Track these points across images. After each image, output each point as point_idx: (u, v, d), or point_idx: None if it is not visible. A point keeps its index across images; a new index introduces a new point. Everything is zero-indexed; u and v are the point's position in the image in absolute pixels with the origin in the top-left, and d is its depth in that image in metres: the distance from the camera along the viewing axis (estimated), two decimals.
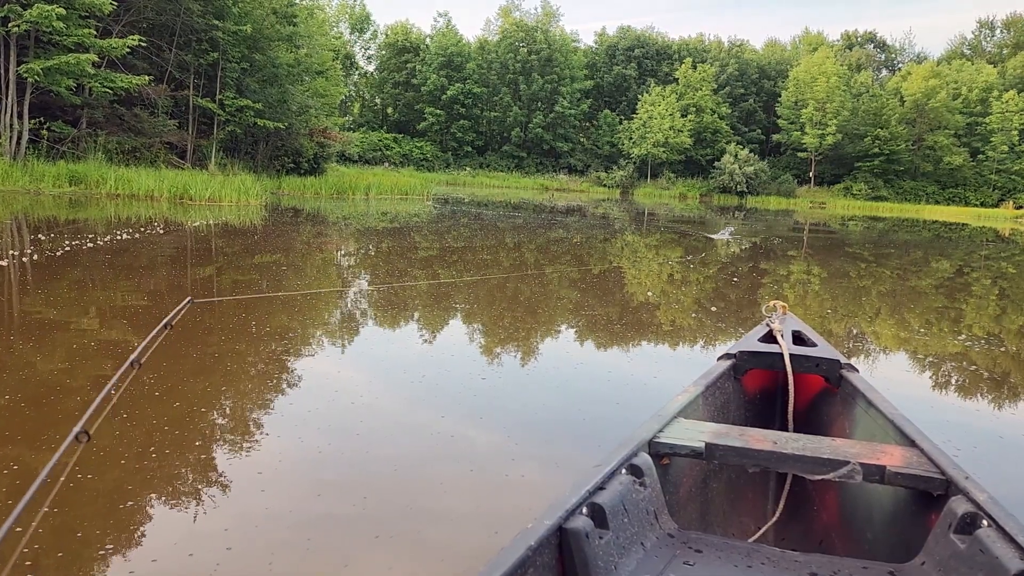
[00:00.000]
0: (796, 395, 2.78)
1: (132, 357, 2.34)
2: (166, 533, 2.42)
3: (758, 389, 2.91)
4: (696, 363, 5.11)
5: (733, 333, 6.29)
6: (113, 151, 19.99)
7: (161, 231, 11.11)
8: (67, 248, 8.38)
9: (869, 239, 20.51)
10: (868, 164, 51.85)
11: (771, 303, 3.35)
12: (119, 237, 9.73)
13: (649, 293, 8.24)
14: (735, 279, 10.00)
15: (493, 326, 5.89)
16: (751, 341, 2.98)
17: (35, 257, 7.72)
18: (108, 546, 2.30)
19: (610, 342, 5.63)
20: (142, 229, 10.98)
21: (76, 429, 1.82)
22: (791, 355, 2.79)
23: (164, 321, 2.76)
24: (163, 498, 2.63)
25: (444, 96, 54.45)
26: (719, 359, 2.88)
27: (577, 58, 58.47)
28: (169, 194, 17.50)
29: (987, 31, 65.41)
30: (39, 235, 9.57)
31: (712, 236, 14.41)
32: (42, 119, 18.97)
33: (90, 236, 9.61)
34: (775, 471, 2.41)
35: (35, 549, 2.24)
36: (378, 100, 60.02)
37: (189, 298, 3.21)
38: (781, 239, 18.54)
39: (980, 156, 51.98)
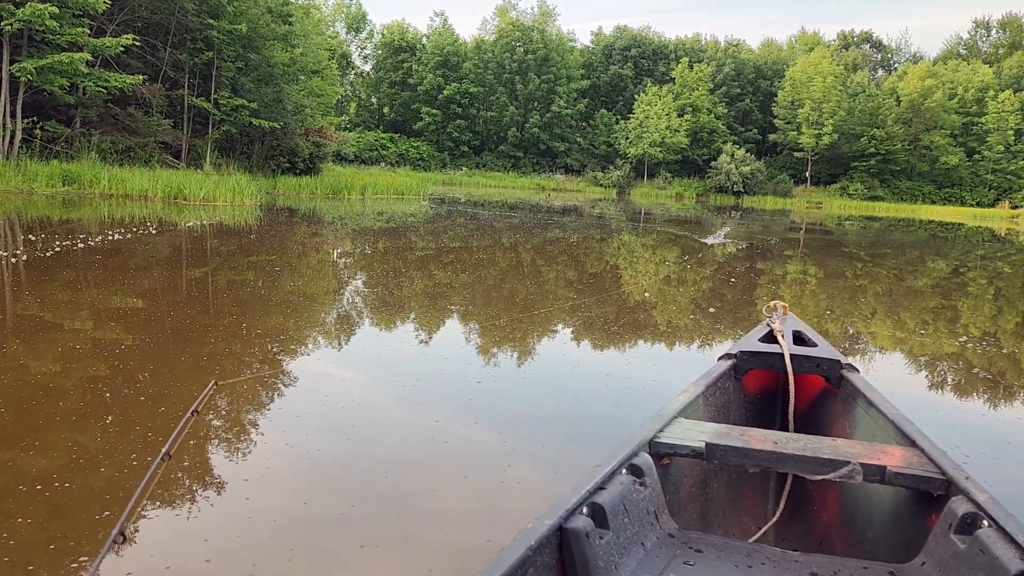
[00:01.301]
0: (796, 395, 2.77)
1: (164, 450, 2.34)
2: (160, 538, 2.36)
3: (758, 389, 2.91)
4: (692, 364, 5.05)
5: (729, 334, 6.24)
6: (107, 151, 19.89)
7: (154, 231, 11.03)
8: (57, 248, 8.31)
9: (866, 239, 20.50)
10: (864, 164, 51.91)
11: (771, 303, 3.33)
12: (111, 237, 9.65)
13: (646, 294, 8.18)
14: (732, 279, 9.96)
15: (490, 326, 5.84)
16: (751, 341, 2.97)
17: (24, 257, 7.64)
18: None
19: (607, 343, 5.58)
20: (134, 230, 10.90)
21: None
22: (792, 355, 2.79)
23: (192, 408, 2.79)
24: (161, 498, 2.57)
25: (440, 96, 54.37)
26: (719, 359, 2.87)
27: (574, 58, 58.44)
28: (163, 194, 17.41)
29: (983, 31, 65.55)
30: (30, 235, 9.49)
31: (706, 240, 13.85)
32: (35, 118, 18.87)
33: (81, 236, 9.53)
34: (775, 471, 2.41)
35: None
36: (374, 100, 59.93)
37: (214, 381, 3.23)
38: (778, 239, 18.51)
39: (976, 156, 52.08)
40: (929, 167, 52.22)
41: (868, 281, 10.75)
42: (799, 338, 3.03)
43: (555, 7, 61.03)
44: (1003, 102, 50.63)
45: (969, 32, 67.94)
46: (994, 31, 64.82)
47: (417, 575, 2.26)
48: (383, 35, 58.69)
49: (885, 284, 10.53)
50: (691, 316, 6.99)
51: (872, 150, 51.26)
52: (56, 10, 16.87)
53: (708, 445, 2.05)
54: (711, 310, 7.41)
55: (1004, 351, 6.10)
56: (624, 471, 1.88)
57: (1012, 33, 62.52)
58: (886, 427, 2.29)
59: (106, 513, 2.44)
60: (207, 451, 3.07)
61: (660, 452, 2.07)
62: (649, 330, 6.25)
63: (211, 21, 21.95)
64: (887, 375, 5.09)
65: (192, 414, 2.74)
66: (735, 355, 2.85)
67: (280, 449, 3.14)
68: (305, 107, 26.02)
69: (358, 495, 2.74)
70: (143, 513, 2.50)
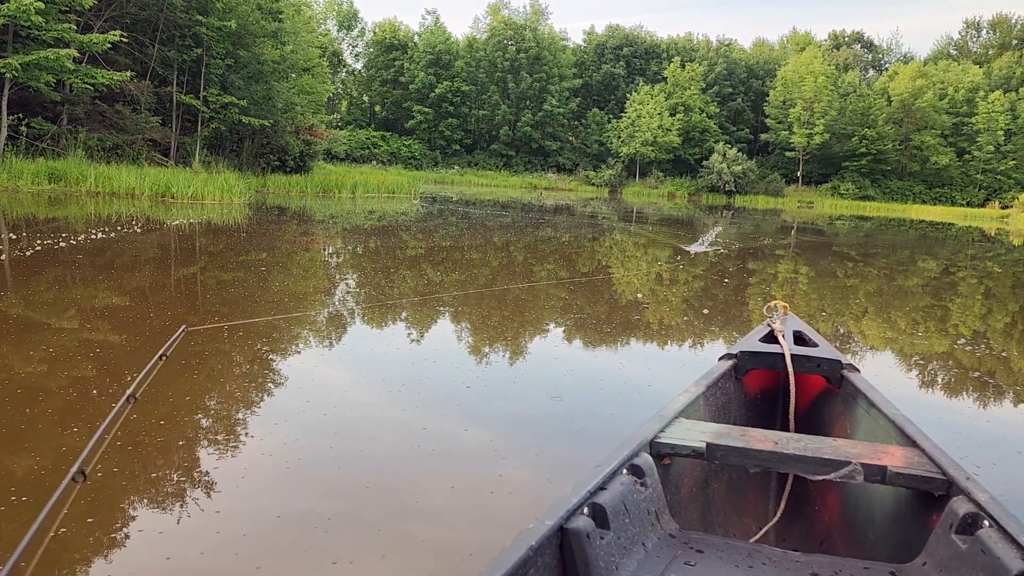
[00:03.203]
0: (797, 395, 2.78)
1: (128, 391, 2.32)
2: (153, 538, 2.26)
3: (759, 389, 2.91)
4: (685, 364, 4.99)
5: (721, 334, 6.18)
6: (94, 148, 19.67)
7: (139, 230, 10.89)
8: (39, 247, 8.17)
9: (859, 239, 20.52)
10: (855, 164, 52.11)
11: (772, 303, 3.32)
12: (95, 236, 9.51)
13: (639, 295, 8.11)
14: (725, 279, 9.90)
15: (483, 326, 5.75)
16: (752, 341, 2.97)
17: (2, 257, 7.50)
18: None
19: (598, 342, 5.50)
20: (119, 228, 10.75)
21: None
22: (792, 355, 2.79)
23: (160, 352, 2.79)
24: (155, 499, 2.47)
25: (432, 94, 54.23)
26: (720, 359, 2.87)
27: (566, 57, 58.43)
28: (150, 192, 17.24)
29: (973, 31, 65.88)
30: (11, 234, 9.33)
31: (689, 249, 13.21)
32: (21, 115, 18.63)
33: (64, 235, 9.39)
34: (776, 471, 2.42)
35: None
36: (366, 98, 59.74)
37: (184, 326, 3.21)
38: (770, 239, 18.49)
39: (966, 156, 52.36)
40: (920, 167, 52.46)
41: (860, 280, 10.72)
42: (800, 338, 3.04)
43: (547, 6, 61.32)
44: (993, 102, 50.91)
45: (959, 32, 68.28)
46: (984, 31, 65.17)
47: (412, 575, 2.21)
48: (375, 33, 58.51)
49: (879, 283, 10.50)
50: (683, 317, 6.93)
51: (863, 150, 51.46)
52: (42, 5, 16.66)
53: (709, 445, 2.05)
54: (704, 311, 7.34)
55: (996, 350, 6.08)
56: (625, 471, 1.88)
57: (1002, 34, 62.86)
58: (887, 427, 2.28)
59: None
60: (190, 453, 2.97)
61: (661, 452, 2.06)
62: (641, 330, 6.18)
63: (200, 18, 21.75)
64: (882, 374, 5.03)
65: (160, 358, 2.67)
66: (736, 355, 2.85)
67: (266, 448, 3.07)
68: (295, 105, 25.83)
69: (346, 494, 2.68)
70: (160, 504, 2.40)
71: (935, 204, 50.46)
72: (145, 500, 2.59)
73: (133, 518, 2.46)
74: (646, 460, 1.96)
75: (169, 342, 2.97)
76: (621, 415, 3.80)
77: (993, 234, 27.26)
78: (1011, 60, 56.46)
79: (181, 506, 2.55)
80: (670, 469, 2.13)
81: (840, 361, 2.77)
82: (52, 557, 2.17)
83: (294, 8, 28.67)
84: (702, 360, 5.11)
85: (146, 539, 2.34)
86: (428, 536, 2.46)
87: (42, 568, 2.10)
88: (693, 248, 13.49)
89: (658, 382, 4.48)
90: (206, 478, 2.78)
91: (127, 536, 2.36)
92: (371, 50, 58.56)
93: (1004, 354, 6.04)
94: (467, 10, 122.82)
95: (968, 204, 50.82)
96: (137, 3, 21.47)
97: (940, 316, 7.97)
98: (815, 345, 2.96)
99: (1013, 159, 50.96)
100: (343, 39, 59.65)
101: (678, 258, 12.12)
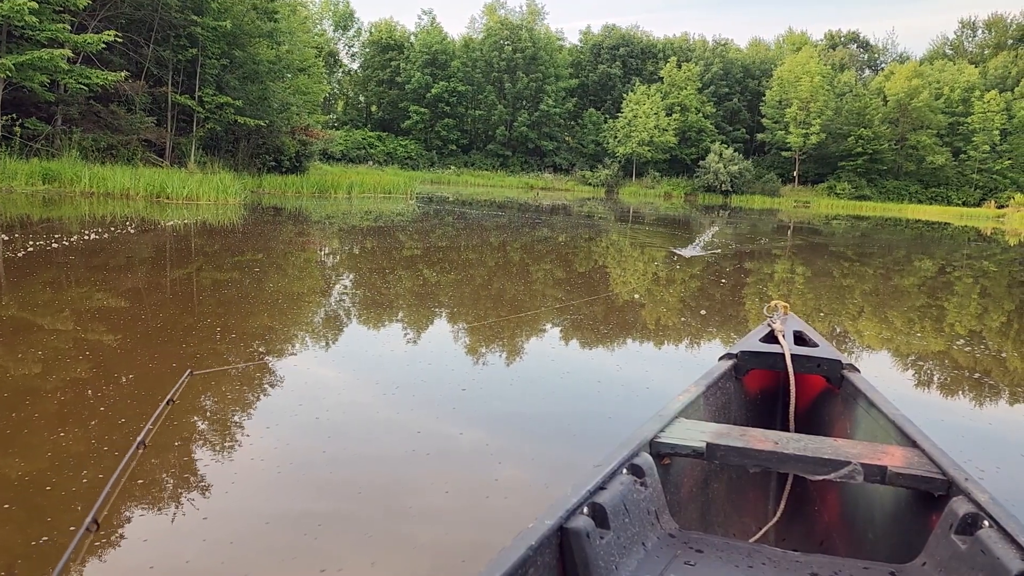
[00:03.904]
0: (797, 395, 2.78)
1: (139, 438, 2.36)
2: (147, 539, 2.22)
3: (759, 389, 2.91)
4: (682, 364, 4.96)
5: (718, 335, 6.15)
6: (89, 149, 19.59)
7: (132, 231, 10.83)
8: (31, 248, 8.11)
9: (854, 238, 20.52)
10: (851, 163, 52.18)
11: (772, 303, 3.31)
12: (87, 237, 9.45)
13: (636, 295, 8.08)
14: (722, 280, 9.87)
15: (479, 326, 5.71)
16: (752, 341, 2.96)
17: None
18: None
19: (595, 342, 5.47)
20: (112, 229, 10.69)
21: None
22: (792, 355, 2.79)
23: (168, 397, 2.74)
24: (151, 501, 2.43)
25: (429, 94, 54.18)
26: (720, 359, 2.86)
27: (562, 56, 58.41)
28: (145, 192, 17.16)
29: (969, 31, 66.05)
30: (3, 236, 9.27)
31: (683, 252, 12.43)
32: (15, 115, 18.54)
33: (57, 236, 9.33)
34: (776, 471, 2.42)
35: None
36: (362, 98, 59.68)
37: (189, 370, 3.21)
38: (766, 238, 18.48)
39: (962, 156, 52.47)
40: (916, 167, 52.56)
41: (856, 280, 10.71)
42: (800, 338, 3.03)
43: (543, 6, 61.34)
44: (988, 102, 51.03)
45: (955, 32, 68.54)
46: (980, 31, 65.36)
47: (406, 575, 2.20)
48: (371, 33, 58.44)
49: (875, 283, 10.48)
50: (680, 317, 6.90)
51: (859, 150, 51.54)
52: (35, 5, 16.57)
53: (709, 445, 2.05)
54: (702, 312, 7.31)
55: (992, 349, 6.06)
56: (625, 471, 1.88)
57: (997, 33, 63.02)
58: (887, 427, 2.28)
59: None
60: (185, 445, 2.92)
61: (661, 452, 2.06)
62: (637, 331, 6.14)
63: (195, 18, 21.67)
64: (880, 373, 5.00)
65: (168, 403, 2.65)
66: (736, 355, 2.84)
67: (261, 448, 3.03)
68: (291, 105, 25.77)
69: (342, 494, 2.65)
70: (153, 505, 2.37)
71: (931, 204, 50.57)
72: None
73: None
74: (646, 460, 1.96)
75: (175, 388, 2.94)
76: (619, 415, 3.77)
77: (989, 233, 27.30)
78: (1006, 60, 56.62)
79: (169, 500, 2.51)
80: (670, 469, 2.13)
81: (840, 361, 2.76)
82: None
83: (290, 8, 28.58)
84: (699, 360, 5.08)
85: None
86: (424, 539, 2.42)
87: None
88: (688, 251, 13.45)
89: (655, 383, 4.45)
90: (196, 478, 2.73)
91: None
92: (367, 50, 58.49)
93: (1003, 354, 6.02)
94: (463, 10, 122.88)
95: (964, 204, 50.94)
96: (132, 3, 21.38)
97: (938, 316, 7.96)
98: (815, 345, 2.95)
99: (1008, 159, 51.10)
100: (339, 39, 59.58)
101: (674, 258, 12.09)
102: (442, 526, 2.52)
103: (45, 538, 2.25)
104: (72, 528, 2.30)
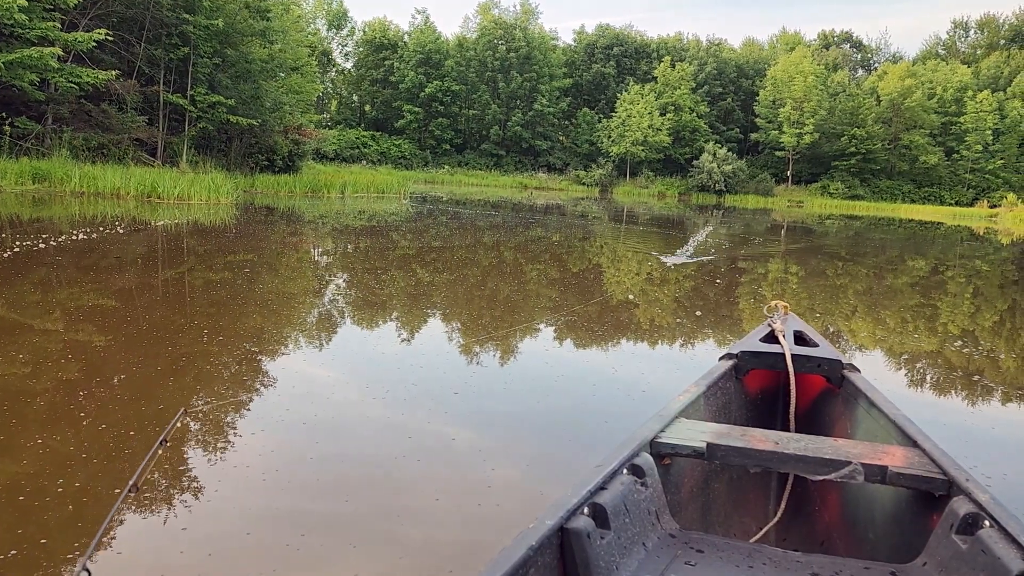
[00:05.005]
0: (798, 395, 2.77)
1: (131, 481, 2.31)
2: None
3: (760, 389, 2.91)
4: (678, 364, 4.92)
5: (714, 335, 6.12)
6: (79, 148, 19.44)
7: (122, 231, 10.74)
8: (17, 248, 8.02)
9: (848, 238, 20.55)
10: (845, 163, 52.30)
11: (772, 303, 3.31)
12: (76, 237, 9.36)
13: (630, 295, 8.04)
14: (717, 280, 9.85)
15: (472, 326, 5.66)
16: (752, 341, 2.96)
17: None
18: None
19: (589, 342, 5.42)
20: (101, 229, 10.60)
21: None
22: (793, 355, 2.78)
23: (160, 438, 2.73)
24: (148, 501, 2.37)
25: (422, 94, 54.10)
26: (720, 359, 2.86)
27: (556, 56, 58.38)
28: (136, 192, 17.04)
29: (961, 31, 66.29)
30: None
31: (668, 260, 11.31)
32: (4, 114, 18.38)
33: (45, 236, 9.23)
34: (777, 471, 2.42)
35: None
36: (356, 97, 59.55)
37: (182, 408, 3.15)
38: (760, 238, 18.48)
39: (955, 155, 52.65)
40: (909, 166, 52.72)
41: (850, 279, 10.70)
42: (800, 338, 3.03)
43: (537, 5, 61.27)
44: (981, 102, 51.21)
45: (948, 32, 68.70)
46: (972, 31, 65.59)
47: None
48: (364, 32, 58.30)
49: (869, 282, 10.48)
50: (675, 317, 6.86)
51: (852, 149, 51.66)
52: (25, 3, 16.42)
53: (709, 445, 2.05)
54: (697, 313, 7.28)
55: (985, 348, 6.05)
56: (625, 471, 1.88)
57: (990, 34, 63.28)
58: (887, 427, 2.28)
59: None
60: (179, 456, 2.86)
61: (661, 452, 2.06)
62: (632, 330, 6.10)
63: (187, 16, 21.53)
64: (885, 376, 4.97)
65: (161, 443, 2.61)
66: (736, 355, 2.84)
67: (259, 449, 2.97)
68: (284, 104, 25.63)
69: (339, 498, 2.61)
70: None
71: (924, 203, 50.73)
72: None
73: None
74: (646, 460, 1.95)
75: (169, 426, 2.90)
76: (616, 415, 3.73)
77: (981, 233, 27.39)
78: (999, 60, 56.84)
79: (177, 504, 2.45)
80: (670, 469, 2.13)
81: (841, 361, 2.76)
82: None
83: (282, 7, 28.44)
84: (697, 361, 5.04)
85: None
86: (414, 542, 2.37)
87: None
88: (684, 252, 13.43)
89: (651, 384, 4.41)
90: (191, 488, 2.68)
91: None
92: (361, 49, 58.35)
93: (1002, 354, 6.01)
94: (457, 9, 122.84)
95: (957, 203, 51.11)
96: (123, 1, 21.22)
97: (932, 315, 7.95)
98: (815, 345, 2.95)
99: (1001, 158, 51.29)
100: (332, 38, 59.42)
101: (673, 257, 12.06)
102: (433, 528, 2.47)
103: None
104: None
